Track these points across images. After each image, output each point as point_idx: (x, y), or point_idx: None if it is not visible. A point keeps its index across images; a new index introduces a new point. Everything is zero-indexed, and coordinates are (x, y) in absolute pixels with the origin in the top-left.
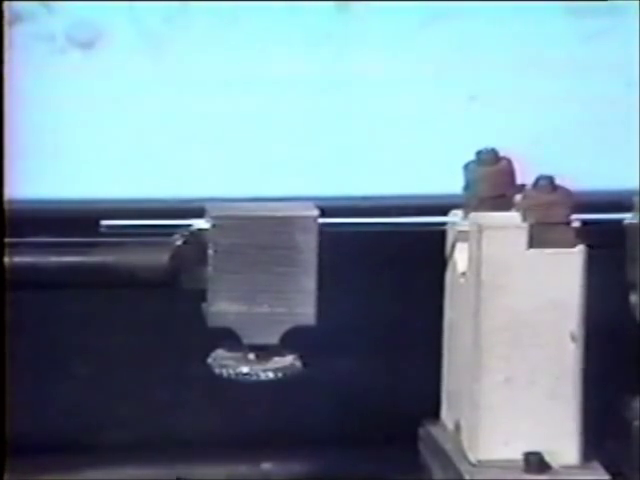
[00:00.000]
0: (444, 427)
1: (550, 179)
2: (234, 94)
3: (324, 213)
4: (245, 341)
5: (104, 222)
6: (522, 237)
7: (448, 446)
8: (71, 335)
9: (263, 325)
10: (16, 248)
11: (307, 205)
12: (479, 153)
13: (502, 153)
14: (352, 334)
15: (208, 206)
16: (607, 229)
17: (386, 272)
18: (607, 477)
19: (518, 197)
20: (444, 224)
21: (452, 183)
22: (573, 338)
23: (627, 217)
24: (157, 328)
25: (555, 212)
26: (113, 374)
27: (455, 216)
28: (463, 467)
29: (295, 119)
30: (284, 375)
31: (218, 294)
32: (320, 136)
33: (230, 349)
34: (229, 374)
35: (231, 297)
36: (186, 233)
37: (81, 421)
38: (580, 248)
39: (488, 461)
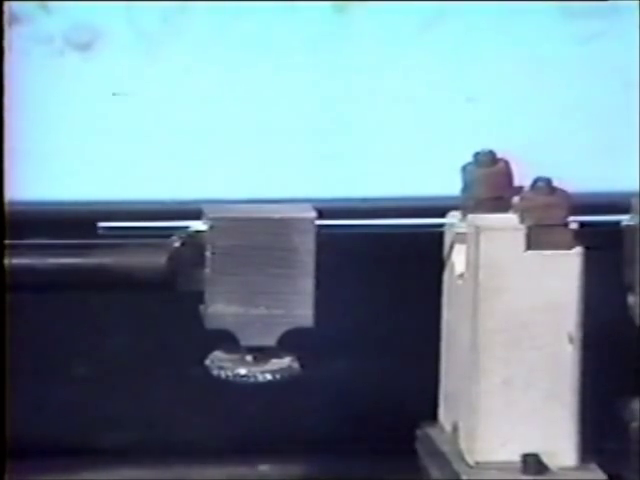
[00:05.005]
0: (442, 429)
1: (548, 181)
2: (231, 95)
3: (322, 215)
4: (243, 343)
5: (102, 224)
6: (520, 239)
7: (446, 448)
8: (69, 337)
9: (261, 327)
10: (14, 250)
11: (305, 207)
12: (477, 155)
13: (500, 155)
14: (350, 336)
15: (205, 208)
16: (605, 231)
17: (384, 274)
18: (605, 478)
19: (516, 199)
20: (442, 226)
21: (450, 185)
22: (571, 340)
23: (625, 219)
24: (155, 330)
25: (553, 214)
26: (111, 376)
27: (453, 218)
28: (461, 469)
29: (293, 120)
30: (282, 377)
31: (216, 296)
32: (318, 138)
33: (228, 351)
34: (227, 376)
35: (229, 299)
36: (183, 235)
37: (80, 423)
38: (578, 250)
39: (486, 463)
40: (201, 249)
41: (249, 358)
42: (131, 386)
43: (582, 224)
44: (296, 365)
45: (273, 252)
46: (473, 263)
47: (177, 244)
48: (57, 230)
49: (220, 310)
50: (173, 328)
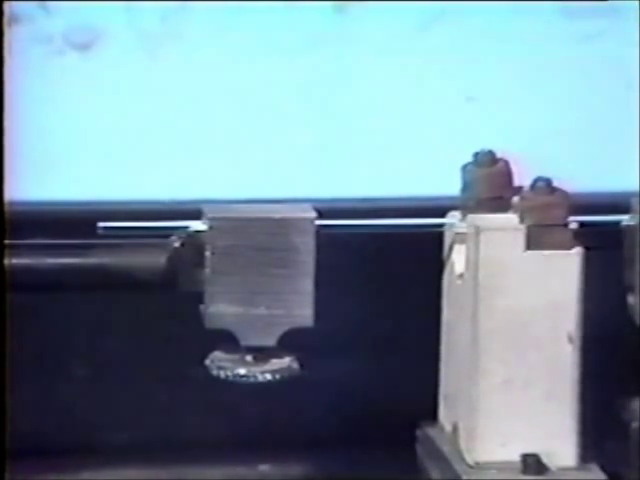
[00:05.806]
0: (442, 429)
1: (548, 181)
2: (231, 95)
3: (321, 215)
4: (242, 343)
5: (101, 224)
6: (519, 239)
7: (446, 448)
8: (69, 337)
9: (260, 327)
10: (14, 250)
11: (304, 207)
12: (477, 155)
13: (499, 155)
14: (349, 336)
15: (205, 208)
16: (605, 231)
17: (383, 274)
18: (605, 478)
19: (515, 199)
20: (442, 226)
21: (450, 185)
22: (570, 340)
23: (625, 219)
24: (154, 330)
25: (553, 214)
26: (111, 376)
27: (453, 218)
28: (461, 469)
29: (292, 120)
30: (281, 377)
31: (215, 296)
32: (317, 137)
33: (228, 351)
34: (227, 376)
35: (228, 299)
36: (183, 235)
37: (80, 423)
38: (577, 250)
39: (486, 463)
40: (201, 249)
41: (249, 358)
42: (131, 386)
43: (582, 224)
44: (296, 365)
45: (273, 252)
46: (473, 263)
47: (177, 244)
48: (57, 230)
49: (220, 310)
50: (173, 328)
